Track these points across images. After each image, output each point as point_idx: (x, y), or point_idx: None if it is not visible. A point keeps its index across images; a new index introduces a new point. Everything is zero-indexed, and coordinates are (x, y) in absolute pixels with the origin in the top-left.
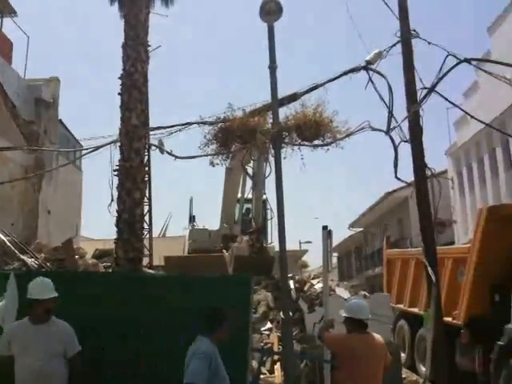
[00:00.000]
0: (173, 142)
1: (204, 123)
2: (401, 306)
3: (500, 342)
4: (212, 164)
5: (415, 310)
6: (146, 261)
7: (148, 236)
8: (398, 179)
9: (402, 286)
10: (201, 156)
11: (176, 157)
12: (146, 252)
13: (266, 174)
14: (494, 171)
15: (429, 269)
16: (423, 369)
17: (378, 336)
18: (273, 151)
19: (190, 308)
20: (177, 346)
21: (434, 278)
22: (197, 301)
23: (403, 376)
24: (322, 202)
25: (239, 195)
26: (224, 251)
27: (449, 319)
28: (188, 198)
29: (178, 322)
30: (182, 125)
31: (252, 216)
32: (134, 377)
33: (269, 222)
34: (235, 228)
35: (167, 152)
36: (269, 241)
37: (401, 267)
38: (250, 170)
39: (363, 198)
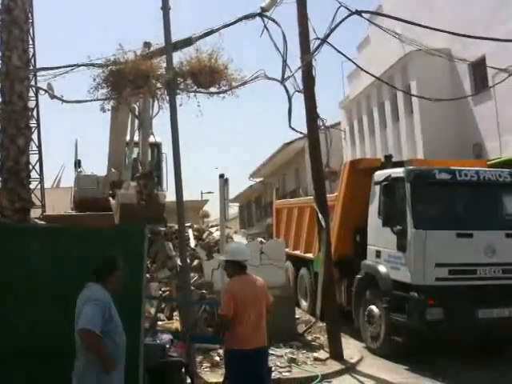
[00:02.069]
0: (67, 88)
1: (93, 65)
2: (287, 249)
3: (358, 276)
4: (103, 109)
5: (298, 252)
6: (38, 212)
7: (39, 186)
8: (292, 129)
9: (288, 232)
10: (90, 101)
11: (63, 101)
12: (39, 203)
13: (154, 113)
14: (383, 123)
15: (319, 215)
16: (304, 303)
17: (258, 277)
18: (167, 97)
19: (81, 261)
20: (64, 301)
21: (324, 223)
22: (88, 253)
23: (297, 316)
24: (224, 153)
25: (128, 138)
26: (111, 199)
27: None
28: (82, 146)
29: (67, 276)
30: (69, 66)
31: (139, 159)
32: (21, 332)
33: (164, 168)
34: (125, 174)
35: (55, 96)
36: (164, 188)
37: (287, 215)
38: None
39: (266, 148)
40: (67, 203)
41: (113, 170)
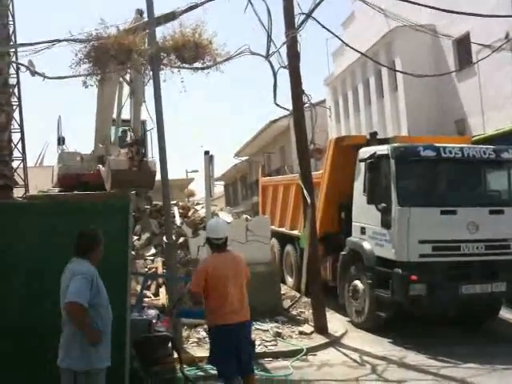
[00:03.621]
0: (50, 65)
1: (74, 40)
2: (273, 226)
3: (343, 252)
4: (85, 85)
5: (283, 229)
6: (21, 192)
7: (22, 165)
8: (277, 105)
9: (273, 210)
10: (72, 76)
11: (45, 77)
12: (22, 182)
13: (146, 80)
14: (367, 99)
15: (304, 192)
16: (290, 279)
17: (237, 254)
18: (151, 73)
19: (67, 236)
20: (49, 277)
21: (309, 200)
22: (74, 229)
23: (282, 292)
24: (210, 131)
25: (114, 114)
26: (100, 166)
27: None
28: (67, 123)
29: (52, 252)
30: (50, 42)
31: (131, 126)
32: (7, 309)
33: (150, 146)
34: (112, 149)
35: (37, 73)
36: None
37: (272, 193)
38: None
39: (252, 126)
40: (50, 182)
41: (100, 145)
